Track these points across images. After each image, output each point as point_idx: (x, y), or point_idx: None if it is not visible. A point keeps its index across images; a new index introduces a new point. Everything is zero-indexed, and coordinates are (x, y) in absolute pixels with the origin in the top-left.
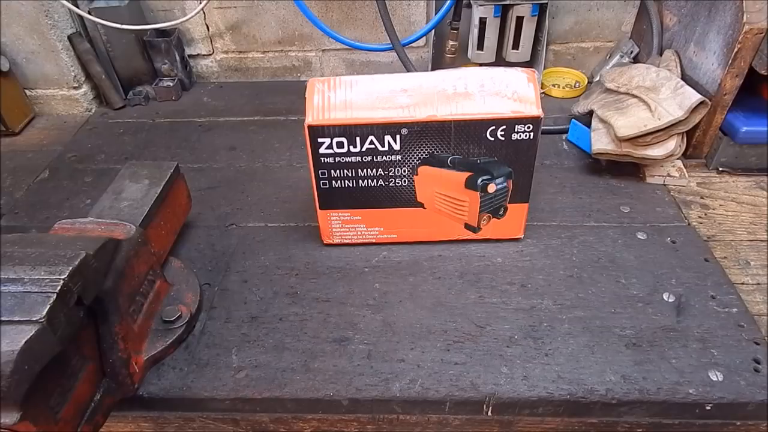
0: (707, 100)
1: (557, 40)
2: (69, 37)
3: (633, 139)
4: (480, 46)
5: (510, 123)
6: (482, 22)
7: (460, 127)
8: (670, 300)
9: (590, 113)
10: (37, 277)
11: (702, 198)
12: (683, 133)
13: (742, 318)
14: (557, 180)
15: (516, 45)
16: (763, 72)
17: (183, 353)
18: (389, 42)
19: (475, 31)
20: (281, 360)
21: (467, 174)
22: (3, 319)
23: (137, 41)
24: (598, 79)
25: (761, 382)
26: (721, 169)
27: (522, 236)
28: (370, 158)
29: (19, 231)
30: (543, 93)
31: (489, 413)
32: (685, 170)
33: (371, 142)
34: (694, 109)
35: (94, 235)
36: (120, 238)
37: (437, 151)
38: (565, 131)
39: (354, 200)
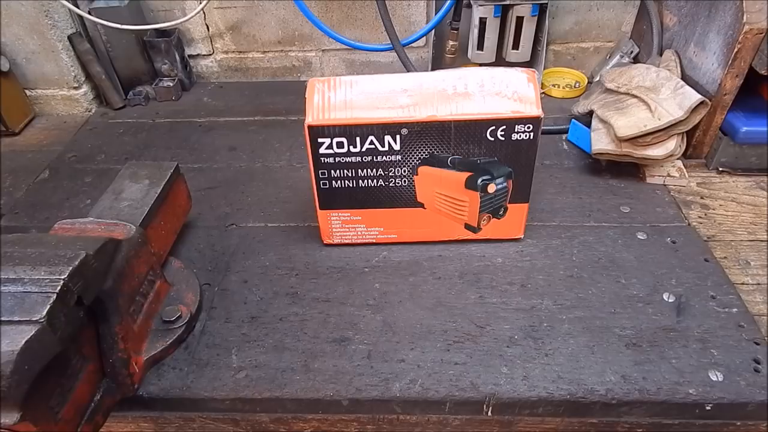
0: (707, 100)
1: (557, 40)
2: (69, 37)
3: (633, 139)
4: (480, 46)
5: (510, 123)
6: (482, 22)
7: (460, 127)
8: (670, 300)
9: (590, 113)
10: (37, 277)
11: (702, 198)
12: (683, 133)
13: (742, 318)
14: (557, 180)
15: (516, 45)
16: (763, 72)
17: (183, 353)
18: (389, 42)
19: (475, 31)
20: (281, 360)
21: (467, 174)
22: (3, 319)
23: (137, 41)
24: (598, 79)
25: (761, 382)
26: (721, 169)
27: (522, 236)
28: (370, 158)
29: (19, 231)
30: (543, 93)
31: (489, 413)
32: (685, 170)
33: (371, 142)
34: (694, 109)
35: (94, 235)
36: (120, 238)
37: (437, 151)
38: (565, 131)
39: (354, 200)
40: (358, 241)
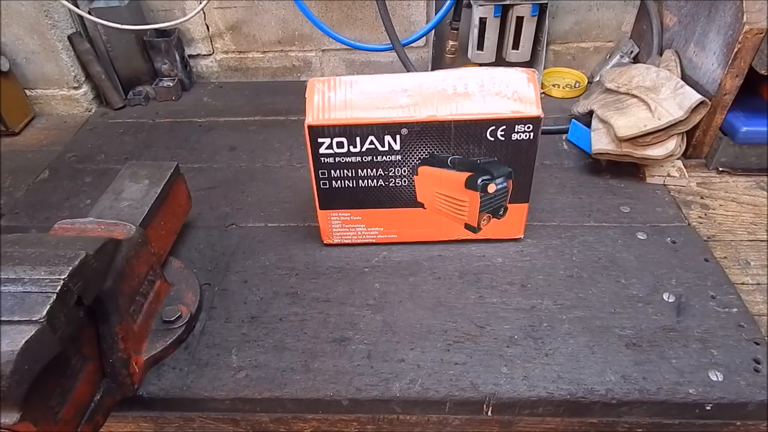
0: (707, 100)
1: (557, 40)
2: (69, 37)
3: (633, 139)
4: (480, 46)
5: (510, 123)
6: (482, 22)
7: (460, 127)
8: (670, 300)
9: (590, 113)
10: (37, 277)
11: (702, 198)
12: (683, 133)
13: (742, 318)
14: (557, 180)
15: (516, 45)
16: (763, 72)
17: (183, 353)
18: (389, 42)
19: (475, 31)
20: (281, 360)
21: (467, 174)
22: (3, 319)
23: (137, 41)
24: (598, 79)
25: (761, 382)
26: (721, 169)
27: (522, 236)
28: (370, 158)
29: (19, 231)
30: (543, 93)
31: (489, 413)
32: (685, 170)
33: (371, 142)
34: (694, 109)
35: (94, 235)
36: (120, 238)
37: (437, 151)
38: (565, 131)
39: (354, 200)
40: (358, 241)
